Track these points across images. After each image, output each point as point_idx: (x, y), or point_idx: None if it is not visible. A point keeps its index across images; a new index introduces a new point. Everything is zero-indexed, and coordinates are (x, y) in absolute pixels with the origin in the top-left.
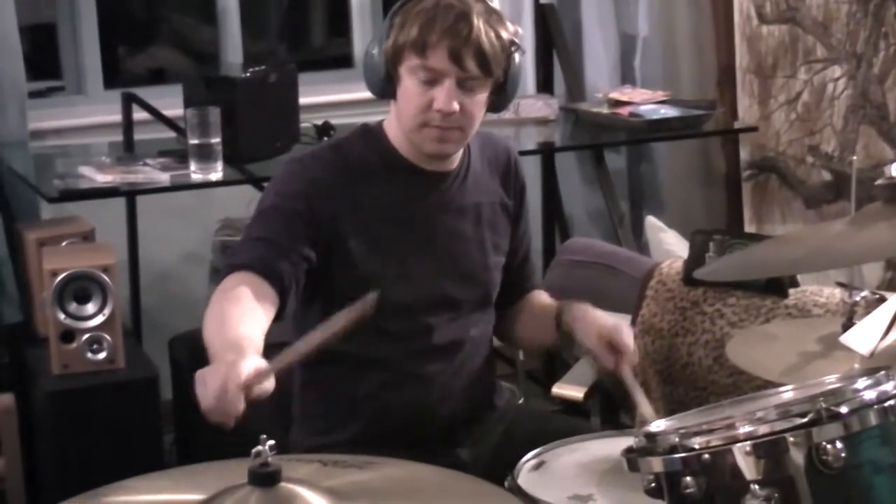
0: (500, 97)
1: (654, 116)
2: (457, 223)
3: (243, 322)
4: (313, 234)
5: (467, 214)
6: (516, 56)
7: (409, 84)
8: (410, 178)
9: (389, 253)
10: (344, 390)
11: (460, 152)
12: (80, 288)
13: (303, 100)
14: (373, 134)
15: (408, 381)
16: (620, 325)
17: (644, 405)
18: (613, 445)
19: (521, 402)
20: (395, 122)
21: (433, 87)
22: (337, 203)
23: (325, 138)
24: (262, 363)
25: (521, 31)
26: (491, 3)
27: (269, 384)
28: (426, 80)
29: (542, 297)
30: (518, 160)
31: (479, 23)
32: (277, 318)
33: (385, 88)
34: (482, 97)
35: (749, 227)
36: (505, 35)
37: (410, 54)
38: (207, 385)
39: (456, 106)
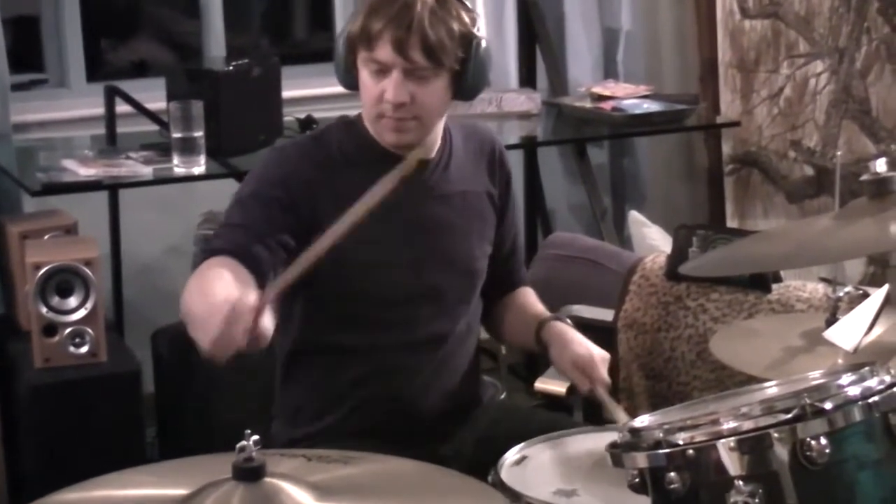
0: (463, 86)
1: (637, 111)
2: (441, 211)
3: (229, 292)
4: (292, 221)
5: (452, 203)
6: (479, 45)
7: (363, 76)
8: (390, 167)
9: (371, 242)
10: (326, 381)
11: (438, 140)
12: (62, 281)
13: (286, 93)
14: (351, 124)
15: (390, 373)
16: (594, 358)
17: (621, 419)
18: (597, 440)
19: (503, 396)
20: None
21: (383, 78)
22: (317, 193)
23: (308, 132)
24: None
25: (476, 17)
26: None
27: (270, 323)
28: (376, 72)
29: (528, 299)
30: (503, 151)
31: (423, 12)
32: None
33: (348, 80)
34: (437, 87)
35: (731, 222)
36: (456, 25)
37: (360, 47)
38: (213, 315)
39: (406, 97)
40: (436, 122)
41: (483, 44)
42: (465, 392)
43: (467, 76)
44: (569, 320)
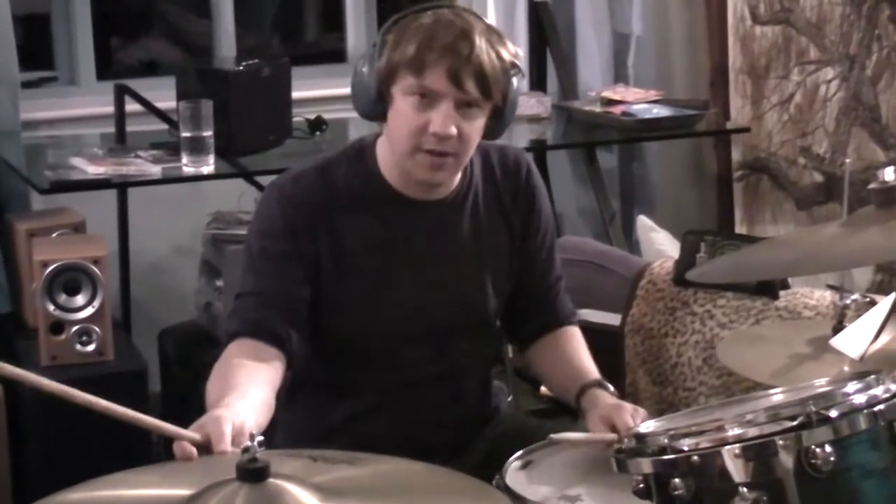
0: (498, 123)
1: (647, 116)
2: (448, 252)
3: (240, 385)
4: (302, 270)
5: (462, 242)
6: (515, 80)
7: (402, 106)
8: (397, 207)
9: (372, 282)
10: (326, 414)
11: (458, 178)
12: (69, 279)
13: (296, 94)
14: (362, 156)
15: (393, 409)
16: (624, 406)
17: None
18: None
19: (509, 399)
20: (387, 145)
21: (429, 109)
22: (319, 233)
23: (318, 133)
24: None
25: (521, 52)
26: (489, 22)
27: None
28: (422, 102)
29: (570, 346)
30: (531, 170)
31: (480, 42)
32: (288, 367)
33: (375, 110)
34: (480, 122)
35: (740, 228)
36: (506, 56)
37: (406, 73)
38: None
39: (454, 130)
40: (467, 161)
41: (517, 80)
42: (473, 421)
43: (504, 113)
44: (611, 387)
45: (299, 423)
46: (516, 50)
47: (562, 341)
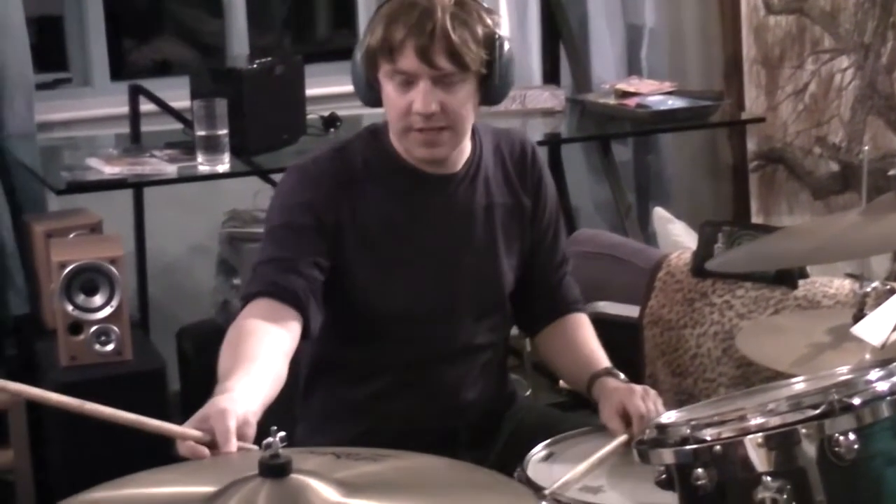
0: (490, 90)
1: (661, 107)
2: (463, 226)
3: (249, 358)
4: (323, 244)
5: (476, 217)
6: (504, 45)
7: (387, 90)
8: (413, 182)
9: (390, 258)
10: (348, 394)
11: (468, 152)
12: (87, 280)
13: (309, 91)
14: (376, 136)
15: (412, 387)
16: (634, 390)
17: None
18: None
19: (528, 394)
20: None
21: (410, 89)
22: (340, 209)
23: (332, 129)
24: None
25: (498, 18)
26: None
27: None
28: (401, 84)
29: (579, 335)
30: (535, 153)
31: (444, 17)
32: (305, 335)
33: (370, 97)
34: (465, 93)
35: (756, 219)
36: (478, 27)
37: (382, 59)
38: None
39: (435, 106)
40: (466, 132)
41: (507, 44)
42: (490, 402)
43: (493, 79)
44: (622, 375)
45: (321, 408)
46: (492, 17)
47: (570, 329)
